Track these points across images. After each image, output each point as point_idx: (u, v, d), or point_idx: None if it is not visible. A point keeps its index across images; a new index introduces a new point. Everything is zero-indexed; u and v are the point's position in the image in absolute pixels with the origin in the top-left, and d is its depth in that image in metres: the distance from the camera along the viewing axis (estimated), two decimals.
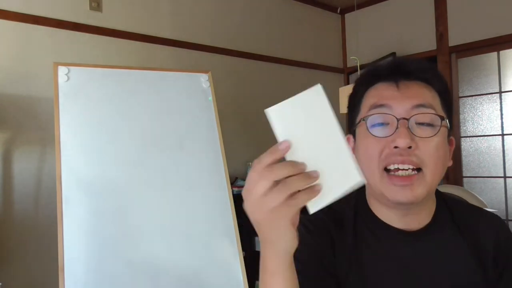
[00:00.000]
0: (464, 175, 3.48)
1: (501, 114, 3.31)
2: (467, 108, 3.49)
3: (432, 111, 0.72)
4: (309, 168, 0.52)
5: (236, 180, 2.97)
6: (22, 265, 2.17)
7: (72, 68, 1.83)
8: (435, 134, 0.71)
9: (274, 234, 0.54)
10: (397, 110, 0.72)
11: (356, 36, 4.05)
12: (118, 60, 2.56)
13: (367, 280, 0.77)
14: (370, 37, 3.97)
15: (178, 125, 1.95)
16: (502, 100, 3.31)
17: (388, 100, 0.73)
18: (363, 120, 0.75)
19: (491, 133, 3.37)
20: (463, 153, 3.49)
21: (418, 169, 0.71)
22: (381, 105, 0.73)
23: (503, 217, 3.25)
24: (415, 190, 0.70)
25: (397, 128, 0.70)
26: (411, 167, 0.70)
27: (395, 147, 0.70)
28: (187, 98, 2.02)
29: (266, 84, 3.45)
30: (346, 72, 4.20)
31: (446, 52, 3.49)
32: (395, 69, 0.76)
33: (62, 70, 1.79)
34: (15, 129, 2.21)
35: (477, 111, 3.44)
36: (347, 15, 4.22)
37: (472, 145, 3.46)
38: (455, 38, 3.46)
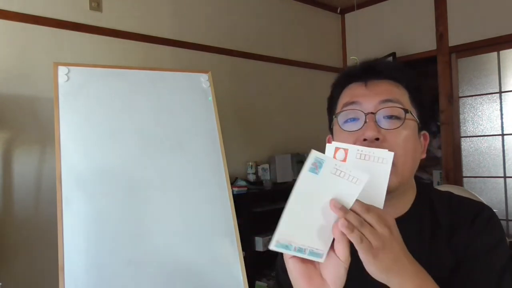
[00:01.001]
0: (464, 175, 3.48)
1: (501, 114, 3.31)
2: (467, 108, 3.49)
3: (398, 105, 0.77)
4: (301, 226, 0.60)
5: (236, 180, 2.97)
6: (22, 265, 2.17)
7: (72, 68, 1.83)
8: (399, 126, 0.76)
9: (287, 267, 0.64)
10: (365, 105, 0.78)
11: (356, 36, 4.05)
12: (118, 60, 2.56)
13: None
14: (370, 37, 3.97)
15: (178, 125, 1.95)
16: (502, 100, 3.31)
17: (357, 98, 0.80)
18: (335, 117, 0.83)
19: (491, 133, 3.37)
20: (463, 153, 3.49)
21: None
22: (351, 103, 0.80)
23: (503, 217, 3.25)
24: None
25: (365, 122, 0.77)
26: None
27: (364, 139, 0.75)
28: (187, 98, 2.02)
29: (266, 84, 3.45)
30: None
31: (446, 52, 3.49)
32: (366, 70, 0.83)
33: (62, 70, 1.80)
34: (15, 129, 2.21)
35: (477, 111, 3.44)
36: (347, 15, 4.22)
37: (472, 145, 3.46)
38: (455, 38, 3.46)
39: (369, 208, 0.60)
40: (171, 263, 1.72)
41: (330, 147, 0.63)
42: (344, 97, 0.83)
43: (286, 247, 0.59)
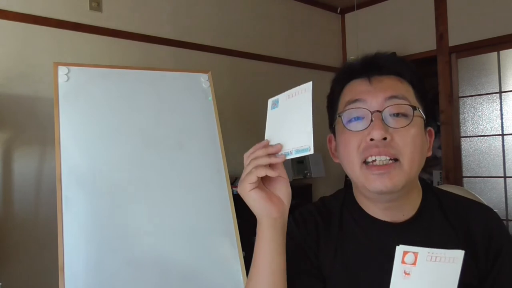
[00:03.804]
0: (464, 175, 3.48)
1: (501, 114, 3.31)
2: (467, 108, 3.49)
3: (405, 102, 0.74)
4: (281, 135, 0.70)
5: (236, 180, 2.97)
6: (22, 265, 2.17)
7: (72, 68, 1.83)
8: (408, 124, 0.73)
9: (251, 205, 0.71)
10: (370, 103, 0.75)
11: (356, 36, 4.04)
12: (118, 60, 2.56)
13: (351, 270, 0.79)
14: (370, 37, 3.97)
15: (178, 125, 1.95)
16: (502, 100, 3.31)
17: (362, 95, 0.76)
18: (339, 116, 0.79)
19: (491, 133, 3.37)
20: (463, 153, 3.49)
21: (395, 160, 0.73)
22: (355, 100, 0.76)
23: (503, 217, 3.25)
24: (393, 178, 0.72)
25: (371, 121, 0.73)
26: (388, 158, 0.72)
27: (371, 139, 0.72)
28: (187, 98, 2.01)
29: (266, 84, 3.45)
30: None
31: (446, 52, 3.49)
32: (368, 65, 0.79)
33: (62, 70, 1.79)
34: (15, 129, 2.21)
35: (477, 111, 3.44)
36: (347, 15, 4.22)
37: (472, 145, 3.46)
38: (455, 38, 3.46)
39: None
40: (171, 263, 1.72)
41: (399, 250, 0.61)
42: (347, 94, 0.80)
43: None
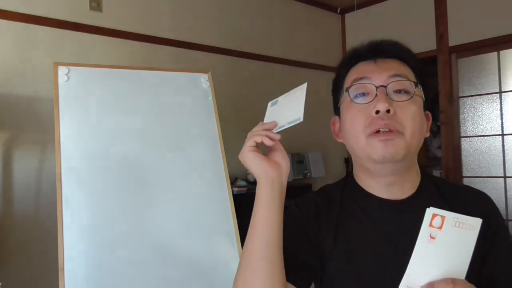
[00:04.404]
0: (464, 175, 3.48)
1: (501, 114, 3.31)
2: (467, 108, 3.49)
3: (408, 80, 0.81)
4: (277, 118, 0.78)
5: (236, 180, 2.97)
6: (22, 265, 2.17)
7: (72, 68, 1.82)
8: (410, 98, 0.79)
9: (249, 165, 0.76)
10: (375, 80, 0.81)
11: (356, 36, 4.04)
12: (118, 60, 2.56)
13: (352, 249, 0.82)
14: (370, 37, 3.92)
15: (178, 125, 1.95)
16: (502, 100, 3.31)
17: (367, 73, 0.82)
18: (346, 91, 0.84)
19: (491, 133, 3.37)
20: (463, 153, 3.49)
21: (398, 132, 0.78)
22: (361, 78, 0.82)
23: (503, 217, 3.25)
24: (396, 146, 0.77)
25: (376, 95, 0.79)
26: (392, 129, 0.78)
27: (377, 112, 0.77)
28: (187, 98, 2.01)
29: (266, 84, 3.45)
30: None
31: (446, 52, 3.49)
32: (373, 49, 0.87)
33: (62, 70, 1.79)
34: (15, 129, 2.21)
35: (477, 111, 3.44)
36: (347, 15, 4.22)
37: (472, 145, 3.46)
38: (455, 38, 3.46)
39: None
40: (171, 263, 1.72)
41: (428, 212, 0.64)
42: (353, 74, 0.85)
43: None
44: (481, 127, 3.42)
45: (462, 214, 0.66)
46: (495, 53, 3.31)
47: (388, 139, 0.76)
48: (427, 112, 0.86)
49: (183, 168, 1.88)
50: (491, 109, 3.37)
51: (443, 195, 0.85)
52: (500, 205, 3.27)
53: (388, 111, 0.77)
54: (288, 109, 0.76)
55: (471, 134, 3.46)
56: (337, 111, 0.90)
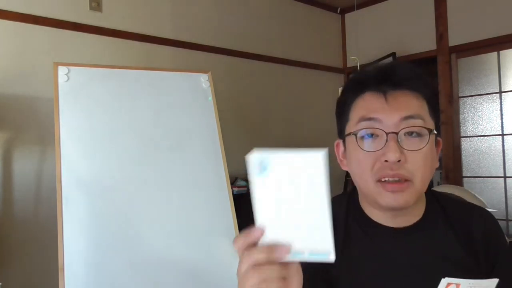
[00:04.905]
0: (464, 175, 3.48)
1: (501, 114, 3.31)
2: (467, 108, 3.49)
3: (421, 123, 0.74)
4: (286, 231, 0.51)
5: (236, 180, 2.97)
6: (22, 265, 2.17)
7: (72, 68, 1.83)
8: (422, 148, 0.73)
9: None
10: (386, 123, 0.74)
11: (356, 36, 4.05)
12: (118, 60, 2.56)
13: (357, 276, 0.79)
14: (370, 37, 3.97)
15: (178, 125, 1.95)
16: (502, 100, 3.31)
17: (377, 113, 0.75)
18: (353, 134, 0.77)
19: (491, 133, 3.37)
20: (463, 153, 3.49)
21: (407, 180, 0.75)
22: (370, 118, 0.75)
23: (503, 217, 3.25)
24: (406, 196, 0.74)
25: (386, 141, 0.73)
26: (401, 178, 0.74)
27: (386, 160, 0.72)
28: (187, 98, 2.02)
29: (266, 84, 3.45)
30: (346, 72, 4.20)
31: (446, 52, 3.49)
32: (382, 78, 0.77)
33: (62, 70, 1.79)
34: (15, 129, 2.21)
35: (477, 111, 3.44)
36: (347, 15, 4.22)
37: (472, 145, 3.46)
38: (455, 38, 3.46)
39: None
40: (170, 263, 1.72)
41: (443, 282, 0.62)
42: (360, 109, 0.78)
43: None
44: (481, 127, 3.42)
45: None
46: (495, 53, 3.32)
47: (396, 191, 0.73)
48: (438, 138, 0.80)
49: (182, 168, 1.88)
50: (491, 109, 3.37)
51: (447, 217, 0.82)
52: (500, 205, 3.27)
53: (398, 160, 0.72)
54: (298, 204, 0.50)
55: (471, 134, 3.46)
56: (341, 136, 0.84)
